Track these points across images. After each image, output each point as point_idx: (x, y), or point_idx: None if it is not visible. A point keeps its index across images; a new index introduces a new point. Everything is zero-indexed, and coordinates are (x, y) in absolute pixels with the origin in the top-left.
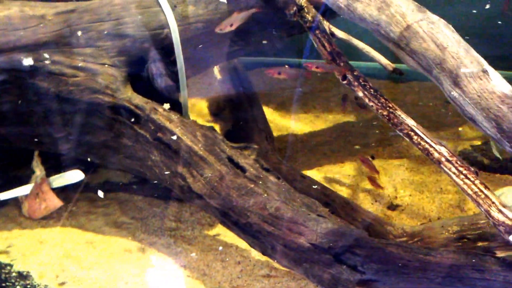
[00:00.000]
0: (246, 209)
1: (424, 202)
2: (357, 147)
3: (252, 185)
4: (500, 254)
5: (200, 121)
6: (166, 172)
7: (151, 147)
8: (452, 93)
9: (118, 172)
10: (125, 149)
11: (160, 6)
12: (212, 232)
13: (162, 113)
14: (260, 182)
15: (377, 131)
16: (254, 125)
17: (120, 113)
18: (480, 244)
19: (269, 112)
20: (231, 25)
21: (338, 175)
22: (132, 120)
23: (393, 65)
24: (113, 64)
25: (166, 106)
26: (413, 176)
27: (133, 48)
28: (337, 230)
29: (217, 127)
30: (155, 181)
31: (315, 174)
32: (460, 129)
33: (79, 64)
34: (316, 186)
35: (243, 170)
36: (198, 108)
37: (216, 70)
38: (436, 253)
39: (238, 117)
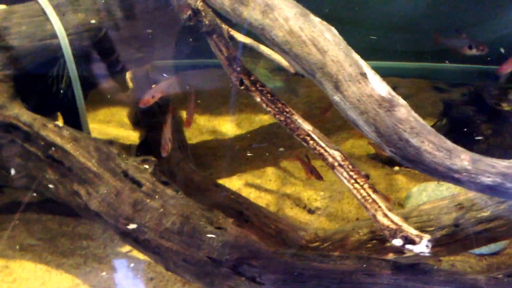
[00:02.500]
0: (143, 225)
1: (344, 203)
2: (281, 149)
3: (149, 200)
4: (408, 253)
5: (123, 131)
6: (62, 191)
7: (44, 165)
8: (334, 97)
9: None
10: (19, 168)
11: (46, 15)
12: (125, 249)
13: (52, 129)
14: (157, 197)
15: None
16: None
17: (9, 131)
18: (389, 244)
19: (194, 116)
20: (153, 97)
21: (259, 180)
22: (22, 137)
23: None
24: None
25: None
26: (334, 177)
27: (21, 61)
28: (233, 242)
29: (135, 137)
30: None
31: (236, 180)
32: None
33: None
34: (230, 195)
35: (139, 184)
36: (119, 118)
37: (128, 78)
38: (329, 260)
39: (151, 126)
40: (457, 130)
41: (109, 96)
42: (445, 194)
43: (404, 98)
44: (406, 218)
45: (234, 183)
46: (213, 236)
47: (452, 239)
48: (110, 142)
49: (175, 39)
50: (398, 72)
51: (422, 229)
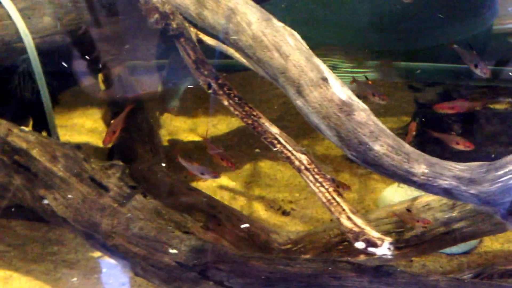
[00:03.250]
0: (110, 230)
1: (318, 205)
2: (257, 150)
3: (116, 205)
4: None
5: (96, 134)
6: (29, 196)
7: (11, 171)
8: (296, 101)
9: None
10: None
11: (11, 18)
12: (96, 254)
13: (17, 134)
14: (124, 201)
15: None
16: (138, 137)
17: None
18: None
19: (169, 118)
20: (114, 132)
21: (234, 182)
22: None
23: None
24: None
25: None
26: None
27: None
28: (200, 246)
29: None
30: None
31: (210, 182)
32: None
33: None
34: (202, 198)
35: (106, 189)
36: (93, 120)
37: (100, 80)
38: (295, 263)
39: (123, 129)
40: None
41: (81, 98)
42: (416, 195)
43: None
44: (377, 220)
45: (208, 185)
46: (181, 240)
47: (421, 240)
48: (78, 147)
49: (146, 40)
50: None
51: (392, 231)
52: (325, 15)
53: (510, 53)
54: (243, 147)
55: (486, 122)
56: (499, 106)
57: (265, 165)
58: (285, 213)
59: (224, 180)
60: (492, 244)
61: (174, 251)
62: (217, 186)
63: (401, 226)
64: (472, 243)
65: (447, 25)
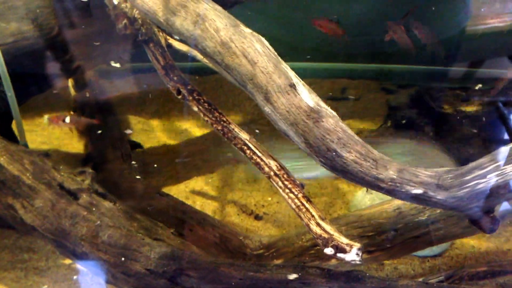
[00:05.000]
0: (80, 238)
1: (291, 209)
2: (229, 154)
3: (85, 213)
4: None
5: (67, 139)
6: None
7: None
8: (265, 108)
9: None
10: None
11: None
12: (68, 261)
13: None
14: (94, 209)
15: (251, 136)
16: (108, 144)
17: None
18: None
19: (142, 122)
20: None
21: (206, 186)
22: None
23: None
24: None
25: None
26: None
27: None
28: (170, 253)
29: (81, 147)
30: None
31: (183, 187)
32: None
33: None
34: (174, 204)
35: (75, 197)
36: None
37: (70, 85)
38: (265, 269)
39: (93, 136)
40: (401, 133)
41: (52, 103)
42: (387, 198)
43: (354, 99)
44: (348, 224)
45: (181, 190)
46: (151, 247)
47: (391, 243)
48: (46, 154)
49: (115, 45)
50: (347, 74)
51: (363, 234)
52: (295, 18)
53: (484, 55)
54: (215, 151)
55: (458, 124)
56: (470, 108)
57: (237, 169)
58: (257, 217)
59: (196, 184)
60: (463, 246)
61: (144, 258)
62: (190, 190)
63: (371, 230)
64: (443, 245)
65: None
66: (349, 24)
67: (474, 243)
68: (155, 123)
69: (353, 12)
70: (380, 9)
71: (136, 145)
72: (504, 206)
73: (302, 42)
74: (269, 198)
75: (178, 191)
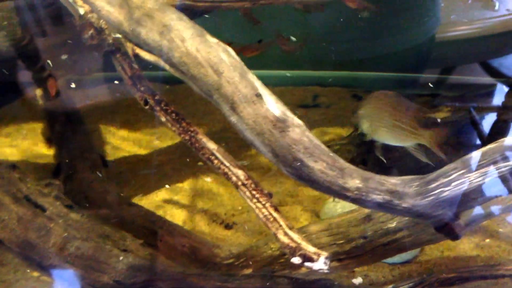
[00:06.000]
0: (47, 250)
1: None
2: (200, 163)
3: (52, 225)
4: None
5: (37, 148)
6: None
7: None
8: (231, 118)
9: None
10: None
11: None
12: (36, 273)
13: None
14: (61, 221)
15: (223, 144)
16: (77, 154)
17: None
18: None
19: (112, 132)
20: None
21: (177, 196)
22: None
23: None
24: None
25: None
26: None
27: None
28: (138, 264)
29: (51, 157)
30: None
31: (153, 197)
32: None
33: None
34: (143, 214)
35: (42, 209)
36: (34, 134)
37: (38, 95)
38: (234, 279)
39: (62, 146)
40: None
41: (20, 112)
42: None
43: (325, 107)
44: (318, 231)
45: (151, 200)
46: (119, 259)
47: (361, 251)
48: (13, 166)
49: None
50: (319, 81)
51: (333, 242)
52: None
53: (454, 61)
54: (185, 160)
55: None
56: (439, 115)
57: (208, 179)
58: (228, 226)
59: (166, 194)
60: (433, 252)
61: (112, 269)
62: (160, 200)
63: (341, 238)
64: (413, 252)
65: (391, 35)
66: (319, 32)
67: (444, 249)
68: (125, 132)
69: (324, 21)
70: (349, 17)
71: (103, 161)
72: (475, 211)
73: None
74: (240, 207)
75: (149, 201)
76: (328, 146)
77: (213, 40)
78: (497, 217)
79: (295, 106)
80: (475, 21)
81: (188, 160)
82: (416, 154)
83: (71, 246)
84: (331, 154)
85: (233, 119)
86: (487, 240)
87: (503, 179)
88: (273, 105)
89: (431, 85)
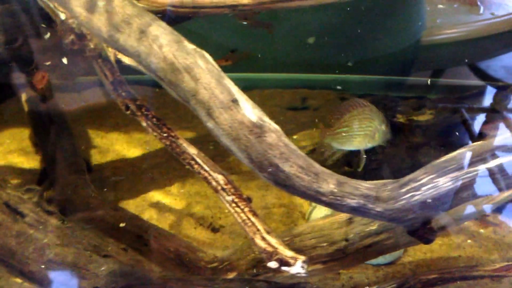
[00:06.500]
0: (26, 257)
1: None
2: (188, 166)
3: (32, 231)
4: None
5: (22, 157)
6: None
7: None
8: (208, 124)
9: None
10: None
11: None
12: (19, 279)
13: None
14: (41, 227)
15: (211, 147)
16: (61, 159)
17: None
18: None
19: (101, 135)
20: None
21: (164, 200)
22: None
23: None
24: None
25: None
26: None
27: None
28: (118, 270)
29: (36, 163)
30: None
31: (140, 201)
32: (294, 137)
33: None
34: (128, 218)
35: (22, 215)
36: (20, 140)
37: (23, 99)
38: (213, 283)
39: (47, 151)
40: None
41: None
42: None
43: (313, 109)
44: (302, 234)
45: (138, 204)
46: (99, 265)
47: (344, 253)
48: None
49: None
50: (307, 84)
51: (316, 245)
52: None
53: (441, 64)
54: (173, 164)
55: (410, 134)
56: (422, 118)
57: (195, 182)
58: (214, 229)
59: (153, 197)
60: (416, 253)
61: (92, 276)
62: (147, 204)
63: (324, 241)
64: (396, 253)
65: (378, 39)
66: (307, 35)
67: (426, 250)
68: (114, 136)
69: (310, 25)
70: (336, 21)
71: (88, 166)
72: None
73: (264, 53)
74: (226, 210)
75: (135, 205)
76: (314, 148)
77: (190, 46)
78: (475, 219)
79: (284, 108)
80: (460, 25)
81: (176, 164)
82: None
83: (51, 253)
84: (307, 159)
85: (210, 124)
86: (469, 241)
87: (472, 183)
88: (249, 111)
89: (428, 85)
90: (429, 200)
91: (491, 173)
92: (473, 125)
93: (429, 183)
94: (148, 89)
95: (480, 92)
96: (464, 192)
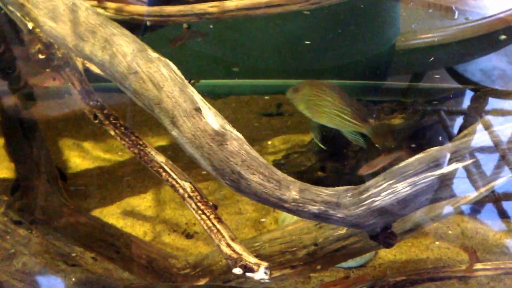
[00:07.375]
0: None
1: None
2: (156, 174)
3: None
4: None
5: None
6: None
7: None
8: (172, 132)
9: None
10: None
11: None
12: None
13: None
14: (8, 237)
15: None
16: (34, 168)
17: None
18: None
19: (76, 144)
20: None
21: (138, 208)
22: None
23: None
24: None
25: None
26: (214, 199)
27: None
28: (85, 279)
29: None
30: None
31: (114, 209)
32: (269, 142)
33: None
34: (101, 226)
35: None
36: None
37: None
38: None
39: (20, 160)
40: (333, 145)
41: None
42: None
43: (288, 115)
44: (271, 240)
45: (112, 212)
46: (66, 274)
47: (313, 258)
48: None
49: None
50: (283, 90)
51: (285, 250)
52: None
53: (414, 68)
54: (149, 172)
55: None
56: (395, 121)
57: (169, 189)
58: (188, 236)
59: (128, 205)
60: (386, 256)
61: (59, 285)
62: (121, 212)
63: (294, 246)
64: (367, 256)
65: (352, 44)
66: (284, 42)
67: (396, 252)
68: (90, 144)
69: (287, 31)
70: (313, 28)
71: (62, 175)
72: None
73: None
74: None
75: (109, 213)
76: (289, 154)
77: (154, 55)
78: (440, 222)
79: (259, 114)
80: (435, 30)
81: (150, 171)
82: (351, 138)
83: (18, 262)
84: (269, 166)
85: (174, 133)
86: (437, 243)
87: (431, 188)
88: (212, 119)
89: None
90: (389, 206)
91: (447, 178)
92: (451, 126)
93: (388, 189)
94: (125, 96)
95: (456, 95)
96: (423, 196)
